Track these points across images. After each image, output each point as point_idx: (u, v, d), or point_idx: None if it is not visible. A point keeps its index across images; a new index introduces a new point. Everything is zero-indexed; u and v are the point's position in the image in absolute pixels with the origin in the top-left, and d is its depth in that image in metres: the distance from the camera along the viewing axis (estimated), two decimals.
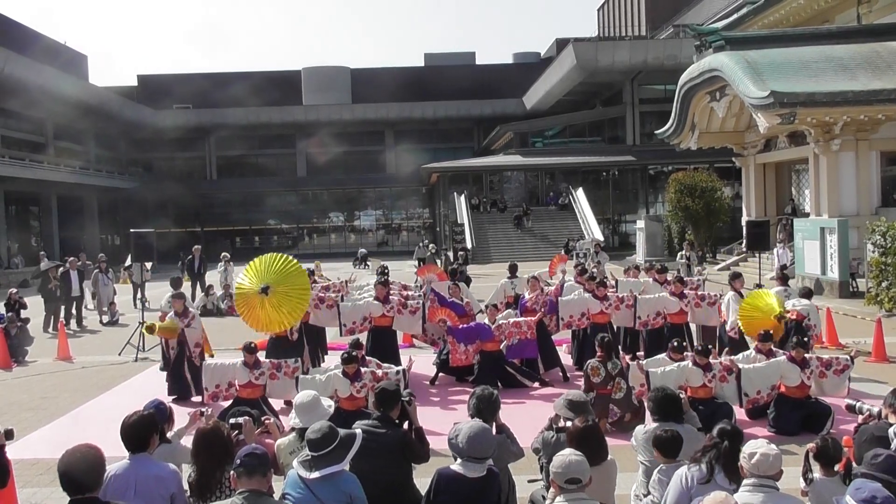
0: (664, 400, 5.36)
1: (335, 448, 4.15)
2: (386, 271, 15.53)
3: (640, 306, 11.50)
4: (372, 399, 7.96)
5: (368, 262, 38.94)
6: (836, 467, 4.46)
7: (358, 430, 4.73)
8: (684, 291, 11.67)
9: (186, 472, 4.70)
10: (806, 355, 8.47)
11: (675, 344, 8.96)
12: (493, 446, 4.52)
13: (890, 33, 22.56)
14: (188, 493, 4.40)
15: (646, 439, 5.17)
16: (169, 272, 33.73)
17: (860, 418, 5.32)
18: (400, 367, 8.74)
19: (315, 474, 4.08)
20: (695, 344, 10.27)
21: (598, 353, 8.55)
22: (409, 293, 12.50)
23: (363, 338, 11.37)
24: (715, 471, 4.26)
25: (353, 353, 8.23)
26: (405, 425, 5.39)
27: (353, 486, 4.24)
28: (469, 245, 36.81)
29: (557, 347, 12.53)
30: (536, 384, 10.63)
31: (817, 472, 4.43)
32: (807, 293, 11.35)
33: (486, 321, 10.81)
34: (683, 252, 21.36)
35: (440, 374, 11.21)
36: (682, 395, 6.02)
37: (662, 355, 8.95)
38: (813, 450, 4.48)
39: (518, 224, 41.85)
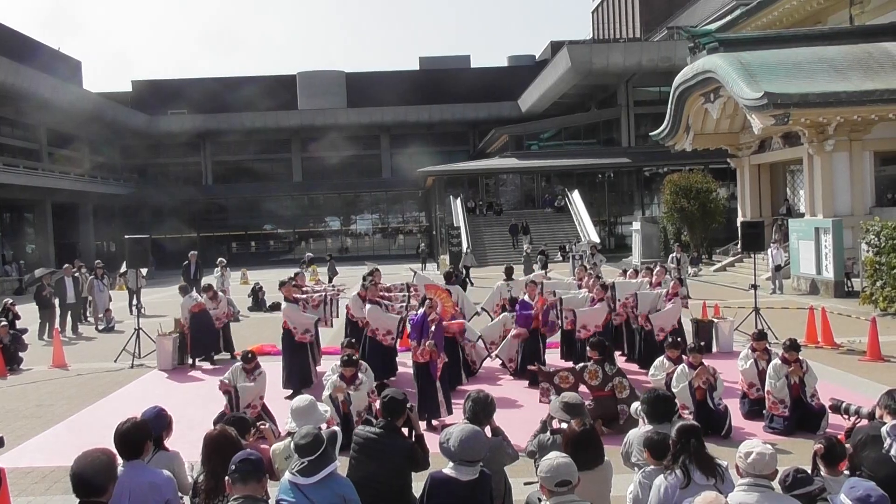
0: (657, 401, 5.37)
1: (325, 448, 4.18)
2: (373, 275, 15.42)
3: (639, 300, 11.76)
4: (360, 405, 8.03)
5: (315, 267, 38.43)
6: (839, 466, 4.50)
7: (336, 428, 4.79)
8: (677, 292, 11.82)
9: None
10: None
11: (672, 340, 9.01)
12: (485, 449, 4.53)
13: (882, 34, 22.66)
14: (195, 497, 4.41)
15: (639, 441, 5.18)
16: (165, 277, 33.80)
17: (850, 421, 5.34)
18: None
19: (314, 478, 4.08)
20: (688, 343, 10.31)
21: (593, 356, 8.50)
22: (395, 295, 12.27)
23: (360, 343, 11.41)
24: (691, 472, 4.27)
25: (354, 357, 8.22)
26: (406, 432, 5.38)
27: (346, 488, 4.26)
28: (466, 248, 36.77)
29: (550, 351, 12.53)
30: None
31: (823, 472, 4.45)
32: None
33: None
34: (674, 254, 21.37)
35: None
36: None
37: (661, 357, 8.98)
38: (820, 450, 4.49)
39: (515, 242, 40.03)
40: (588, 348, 8.72)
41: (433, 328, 8.89)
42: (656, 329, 11.39)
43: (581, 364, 8.75)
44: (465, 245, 36.47)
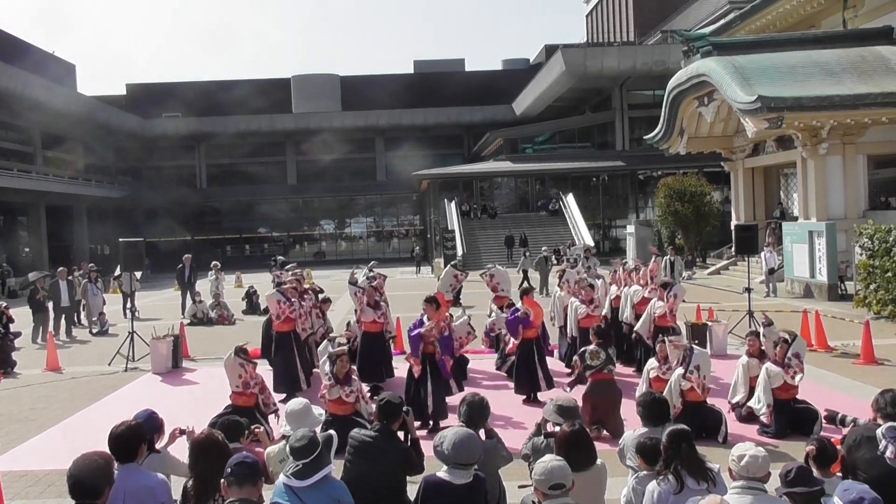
0: (653, 404, 5.38)
1: (321, 452, 4.17)
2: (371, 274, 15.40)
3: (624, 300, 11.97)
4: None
5: (286, 269, 37.78)
6: (831, 468, 4.50)
7: (332, 431, 4.82)
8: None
9: (175, 482, 4.69)
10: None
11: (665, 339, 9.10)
12: (479, 452, 4.53)
13: (875, 38, 22.74)
14: (186, 503, 4.40)
15: (631, 445, 5.20)
16: (160, 280, 33.72)
17: (845, 430, 5.34)
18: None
19: (309, 481, 4.08)
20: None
21: (594, 340, 8.73)
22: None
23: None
24: (683, 477, 4.27)
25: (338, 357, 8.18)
26: (401, 435, 5.37)
27: (341, 491, 4.26)
28: (460, 251, 36.76)
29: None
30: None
31: (815, 474, 4.46)
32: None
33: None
34: (667, 257, 21.45)
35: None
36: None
37: (651, 360, 9.04)
38: (812, 452, 4.50)
39: (509, 254, 38.18)
40: (591, 333, 9.05)
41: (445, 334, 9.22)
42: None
43: (583, 348, 8.98)
44: (459, 248, 36.44)
